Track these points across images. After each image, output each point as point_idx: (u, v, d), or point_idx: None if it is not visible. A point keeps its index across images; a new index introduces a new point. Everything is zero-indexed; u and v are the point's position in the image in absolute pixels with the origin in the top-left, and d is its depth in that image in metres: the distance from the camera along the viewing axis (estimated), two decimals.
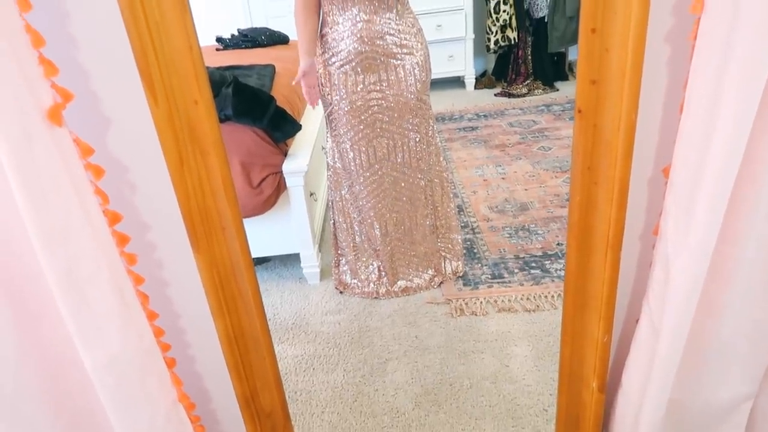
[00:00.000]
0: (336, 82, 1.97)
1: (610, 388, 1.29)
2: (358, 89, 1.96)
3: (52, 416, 1.09)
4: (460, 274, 2.35)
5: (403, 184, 2.14)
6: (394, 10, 1.90)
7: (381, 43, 1.90)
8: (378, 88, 1.96)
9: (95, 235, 0.93)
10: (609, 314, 1.15)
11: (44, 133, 0.83)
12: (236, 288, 1.08)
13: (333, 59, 1.95)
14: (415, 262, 2.29)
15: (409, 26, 1.95)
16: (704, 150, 0.90)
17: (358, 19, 1.86)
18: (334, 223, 2.27)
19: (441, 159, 2.20)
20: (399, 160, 2.09)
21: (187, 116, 0.93)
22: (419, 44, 1.98)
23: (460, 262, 2.35)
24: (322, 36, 1.96)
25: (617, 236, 1.05)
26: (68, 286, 0.93)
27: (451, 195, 2.31)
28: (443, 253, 2.33)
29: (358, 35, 1.88)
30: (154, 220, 1.11)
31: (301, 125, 2.30)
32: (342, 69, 1.95)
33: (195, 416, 1.24)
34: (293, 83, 2.03)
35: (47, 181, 0.85)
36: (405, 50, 1.95)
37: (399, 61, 1.95)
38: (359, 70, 1.93)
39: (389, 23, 1.89)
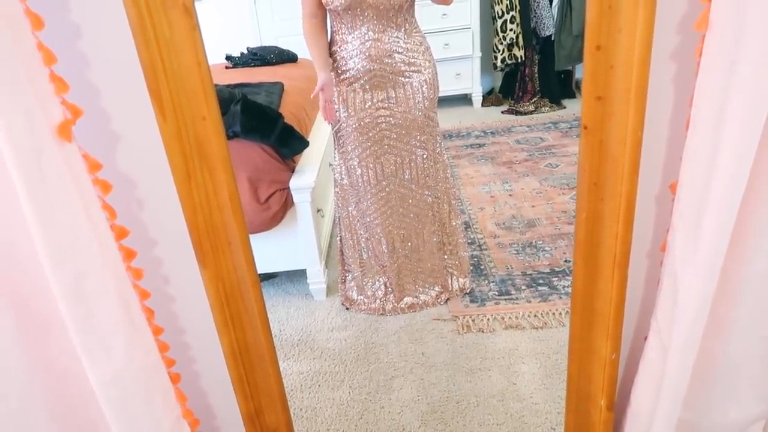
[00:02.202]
0: (344, 99, 1.98)
1: (618, 407, 1.27)
2: (366, 106, 1.97)
3: (56, 431, 1.09)
4: (467, 291, 2.33)
5: (410, 201, 2.14)
6: (403, 29, 1.91)
7: (389, 61, 1.92)
8: (386, 105, 1.98)
9: (102, 250, 0.93)
10: (617, 332, 1.14)
11: (54, 148, 0.84)
12: (242, 304, 1.08)
13: (342, 77, 1.97)
14: (422, 278, 2.28)
15: (417, 44, 1.96)
16: (710, 167, 0.90)
17: (366, 37, 1.88)
18: (341, 240, 2.28)
19: (448, 175, 2.21)
20: (406, 177, 2.09)
21: (195, 132, 0.94)
22: (427, 62, 2.00)
23: (467, 279, 2.34)
24: (331, 54, 1.98)
25: (624, 253, 1.05)
26: (74, 300, 0.93)
27: (458, 211, 2.30)
28: (450, 270, 2.32)
29: (367, 53, 1.89)
30: (160, 235, 1.12)
31: (308, 142, 2.31)
32: (351, 87, 1.96)
33: None
34: (311, 96, 2.03)
35: (55, 195, 0.86)
36: (413, 68, 1.96)
37: (407, 79, 1.96)
38: (367, 87, 1.95)
39: (398, 41, 1.91)
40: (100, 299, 0.95)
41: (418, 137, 2.05)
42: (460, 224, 2.31)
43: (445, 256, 2.30)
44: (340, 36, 1.93)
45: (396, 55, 1.92)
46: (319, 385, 1.93)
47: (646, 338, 1.18)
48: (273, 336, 2.17)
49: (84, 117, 0.89)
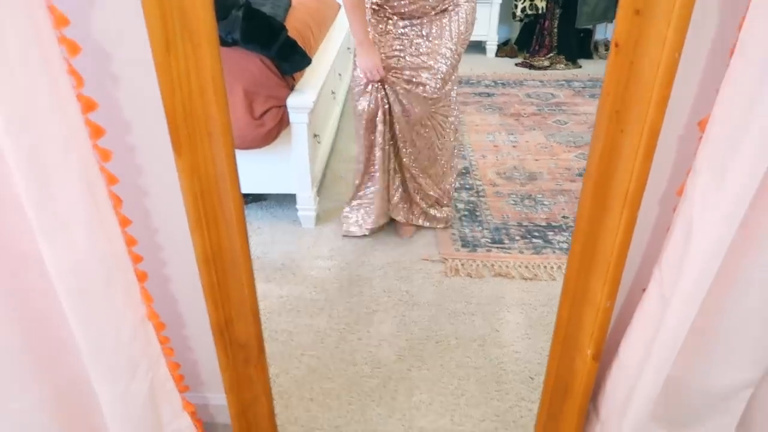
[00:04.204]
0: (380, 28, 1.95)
1: (603, 359, 1.21)
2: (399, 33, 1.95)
3: (8, 318, 1.01)
4: (449, 225, 2.31)
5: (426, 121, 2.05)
6: None
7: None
8: (422, 33, 1.95)
9: (65, 120, 0.83)
10: (616, 278, 1.06)
11: None
12: (218, 202, 0.99)
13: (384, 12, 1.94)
14: (418, 198, 2.22)
15: None
16: (752, 100, 0.80)
17: None
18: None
19: (456, 110, 2.11)
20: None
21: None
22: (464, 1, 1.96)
23: (448, 209, 2.32)
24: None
25: (638, 192, 0.96)
26: (31, 173, 0.84)
27: (455, 149, 2.21)
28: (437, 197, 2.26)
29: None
30: (136, 119, 1.02)
31: (310, 59, 2.18)
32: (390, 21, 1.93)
33: (164, 337, 1.17)
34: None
35: (12, 49, 0.75)
36: (451, 5, 1.94)
37: (444, 14, 1.93)
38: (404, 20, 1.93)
39: None
40: (59, 175, 0.85)
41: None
42: (455, 159, 2.25)
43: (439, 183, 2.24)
44: None
45: None
46: (298, 311, 1.87)
47: (644, 290, 1.11)
48: (256, 258, 2.11)
49: None
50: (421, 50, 1.94)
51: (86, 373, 1.11)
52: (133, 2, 0.84)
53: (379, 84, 1.94)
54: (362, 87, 1.96)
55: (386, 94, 1.97)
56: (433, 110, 2.02)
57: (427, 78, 1.94)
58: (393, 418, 1.51)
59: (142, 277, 1.08)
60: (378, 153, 2.07)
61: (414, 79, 1.94)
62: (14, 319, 1.02)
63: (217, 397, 1.39)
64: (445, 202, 2.28)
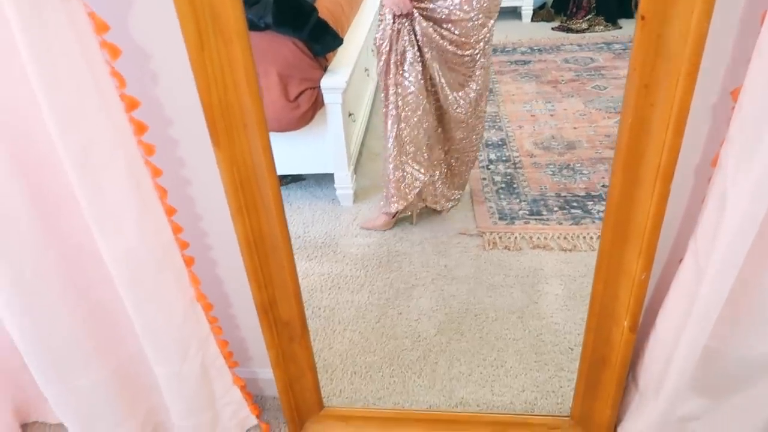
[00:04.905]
0: None
1: (641, 330, 1.22)
2: None
3: (71, 305, 1.10)
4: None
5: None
6: None
7: None
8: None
9: (110, 120, 0.89)
10: (650, 250, 1.06)
11: (56, 4, 0.78)
12: (257, 190, 1.04)
13: None
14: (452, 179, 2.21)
15: None
16: None
17: None
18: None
19: (489, 75, 2.06)
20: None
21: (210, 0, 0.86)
22: None
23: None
24: None
25: (670, 164, 0.96)
26: (83, 172, 0.90)
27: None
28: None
29: None
30: (176, 114, 1.07)
31: (342, 39, 2.20)
32: None
33: (213, 317, 1.24)
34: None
35: (60, 57, 0.81)
36: None
37: None
38: None
39: None
40: (108, 172, 0.92)
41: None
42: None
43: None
44: None
45: None
46: (339, 288, 1.93)
47: (680, 261, 1.11)
48: (297, 237, 2.18)
49: None
50: None
51: (144, 353, 1.19)
52: (167, 4, 0.88)
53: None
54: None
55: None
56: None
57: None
58: (434, 389, 1.55)
59: (189, 261, 1.14)
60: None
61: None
62: (77, 305, 1.11)
63: (265, 372, 1.46)
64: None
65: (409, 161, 2.02)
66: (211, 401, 1.33)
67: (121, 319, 1.16)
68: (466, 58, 1.92)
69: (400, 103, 1.90)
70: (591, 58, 3.87)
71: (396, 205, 2.10)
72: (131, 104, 0.92)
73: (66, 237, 1.04)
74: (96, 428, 1.30)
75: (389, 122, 1.95)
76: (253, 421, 1.45)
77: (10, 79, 0.88)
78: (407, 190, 2.07)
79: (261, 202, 1.05)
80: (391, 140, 1.97)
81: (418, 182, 2.06)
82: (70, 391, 1.20)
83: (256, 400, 1.55)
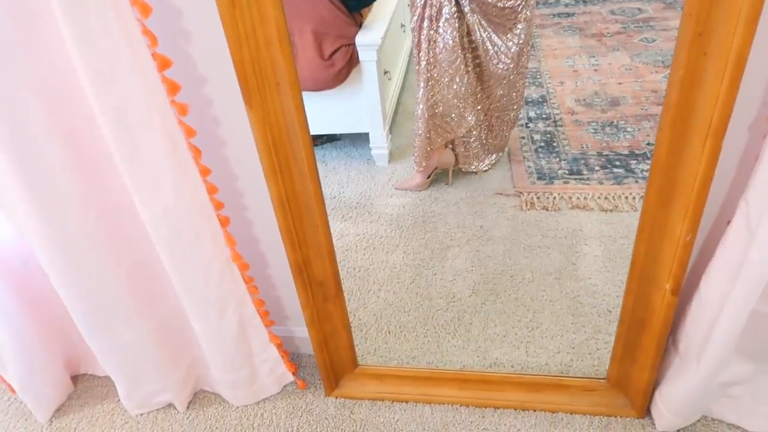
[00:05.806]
0: None
1: (683, 294, 1.18)
2: None
3: (112, 263, 1.12)
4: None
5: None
6: None
7: None
8: None
9: (144, 80, 0.89)
10: (698, 210, 1.02)
11: None
12: (290, 150, 1.03)
13: None
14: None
15: None
16: None
17: None
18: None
19: (532, 29, 1.99)
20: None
21: None
22: None
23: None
24: None
25: (723, 119, 0.90)
26: (119, 132, 0.91)
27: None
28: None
29: None
30: (210, 73, 1.06)
31: None
32: None
33: (249, 277, 1.26)
34: None
35: (94, 18, 0.80)
36: None
37: None
38: None
39: None
40: (144, 133, 0.92)
41: None
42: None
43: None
44: None
45: None
46: (374, 248, 1.94)
47: (729, 222, 1.06)
48: (332, 197, 2.18)
49: None
50: None
51: (183, 310, 1.22)
52: None
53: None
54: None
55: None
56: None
57: None
58: (467, 349, 1.55)
59: (224, 221, 1.15)
60: None
61: None
62: (118, 263, 1.14)
63: (301, 330, 1.48)
64: None
65: (438, 122, 1.99)
66: (249, 358, 1.36)
67: (160, 276, 1.19)
68: (507, 10, 1.84)
69: (432, 62, 1.85)
70: (639, 9, 3.68)
71: (421, 166, 2.10)
72: (163, 63, 0.91)
73: (106, 197, 1.06)
74: (141, 380, 1.36)
75: (420, 81, 1.91)
76: (290, 377, 1.48)
77: (46, 42, 0.88)
78: (433, 153, 2.05)
79: (294, 162, 1.04)
80: (421, 101, 1.93)
81: (444, 143, 2.03)
82: (114, 345, 1.24)
83: (293, 358, 1.58)
